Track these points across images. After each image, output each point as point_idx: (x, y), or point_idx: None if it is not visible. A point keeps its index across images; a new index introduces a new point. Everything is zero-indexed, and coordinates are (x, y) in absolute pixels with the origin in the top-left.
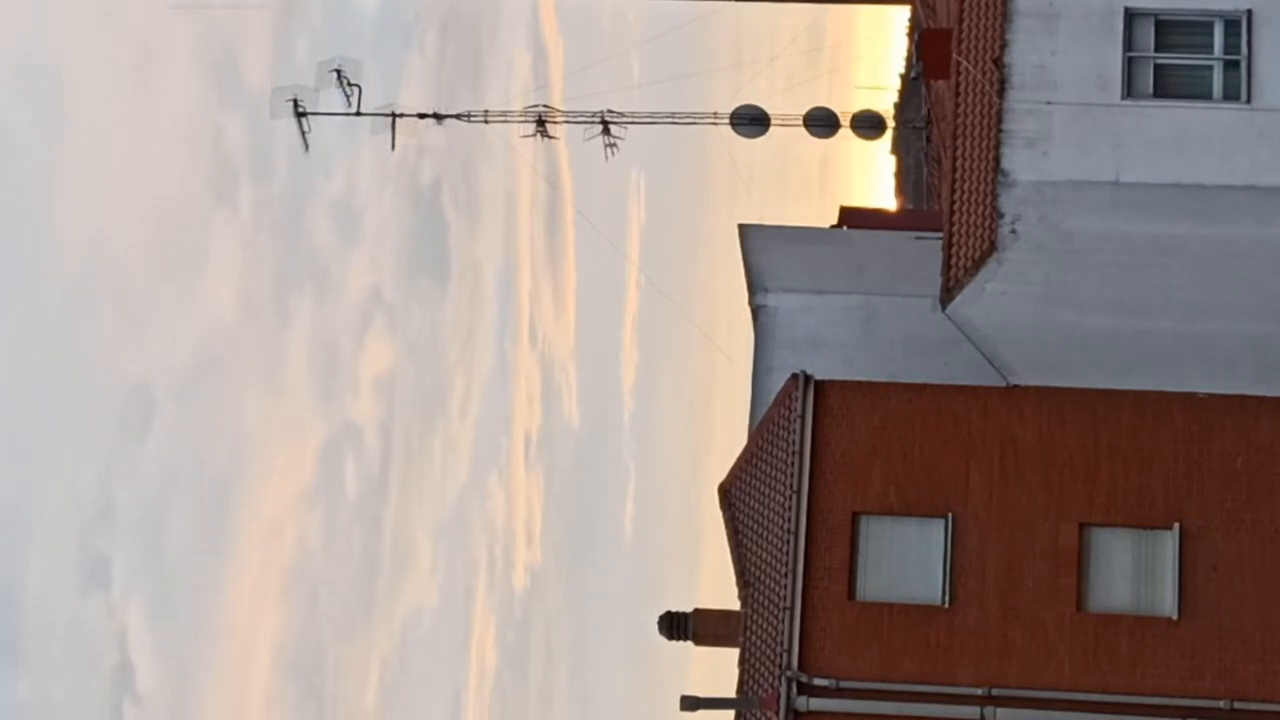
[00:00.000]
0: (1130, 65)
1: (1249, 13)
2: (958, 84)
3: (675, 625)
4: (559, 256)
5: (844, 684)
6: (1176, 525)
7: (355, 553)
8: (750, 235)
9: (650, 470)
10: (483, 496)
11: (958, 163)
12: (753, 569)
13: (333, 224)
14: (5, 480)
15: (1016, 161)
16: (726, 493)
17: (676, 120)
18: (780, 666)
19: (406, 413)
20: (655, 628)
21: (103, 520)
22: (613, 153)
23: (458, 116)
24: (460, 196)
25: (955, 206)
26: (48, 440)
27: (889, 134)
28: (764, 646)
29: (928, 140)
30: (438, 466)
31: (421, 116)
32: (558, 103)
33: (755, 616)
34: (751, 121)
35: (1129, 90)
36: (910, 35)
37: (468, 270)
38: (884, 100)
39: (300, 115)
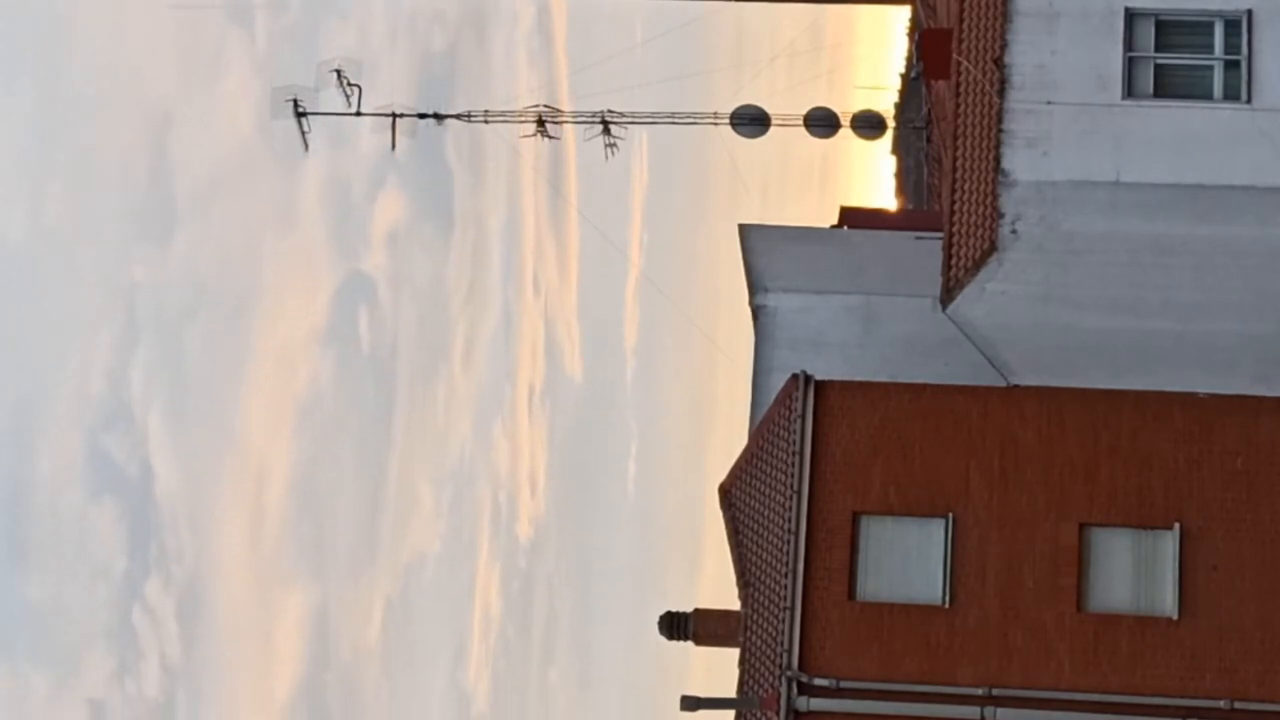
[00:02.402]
0: (1130, 65)
1: (1249, 13)
2: (958, 84)
3: (675, 625)
4: (561, 218)
5: (844, 684)
6: (1176, 525)
7: (363, 437)
8: (750, 235)
9: (652, 436)
10: (487, 445)
11: (958, 163)
12: (753, 569)
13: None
14: (27, 275)
15: (1017, 161)
16: (727, 493)
17: (676, 120)
18: (780, 666)
19: (415, 264)
20: (655, 627)
21: (125, 328)
22: (613, 153)
23: (458, 116)
24: (463, 148)
25: (955, 206)
26: (66, 242)
27: (889, 134)
28: (764, 646)
29: (928, 140)
30: (441, 412)
31: (421, 116)
32: (564, 100)
33: (755, 616)
34: (751, 121)
35: (1129, 90)
36: (910, 35)
37: (470, 221)
38: (884, 100)
39: (300, 115)
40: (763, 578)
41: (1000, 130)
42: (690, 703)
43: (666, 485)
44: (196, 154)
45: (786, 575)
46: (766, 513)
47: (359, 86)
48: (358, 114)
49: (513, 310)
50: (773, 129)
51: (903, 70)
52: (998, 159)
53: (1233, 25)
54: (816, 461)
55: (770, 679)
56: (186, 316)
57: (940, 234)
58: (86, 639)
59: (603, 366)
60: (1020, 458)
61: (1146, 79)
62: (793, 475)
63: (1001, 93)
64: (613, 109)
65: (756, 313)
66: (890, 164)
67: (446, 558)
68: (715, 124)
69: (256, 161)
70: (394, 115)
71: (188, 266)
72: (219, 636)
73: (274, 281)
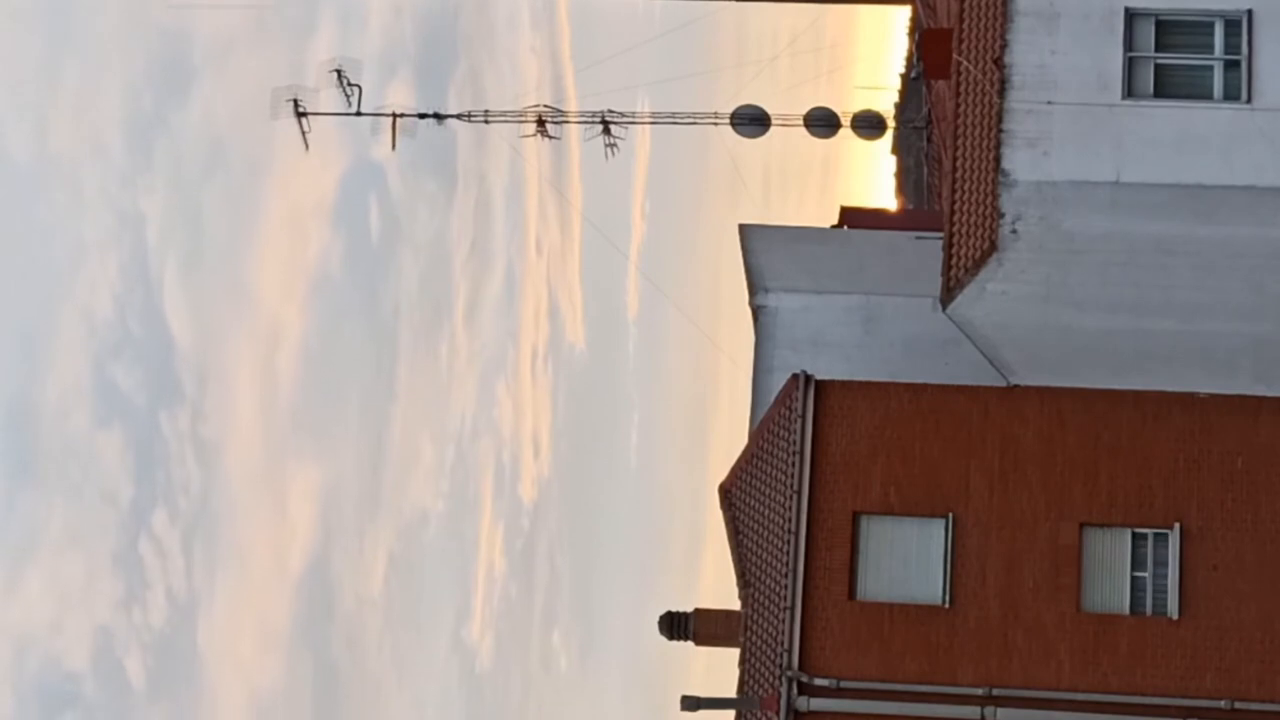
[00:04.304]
0: (1131, 65)
1: (1249, 13)
2: (958, 84)
3: (675, 625)
4: (563, 184)
5: (844, 684)
6: (1177, 525)
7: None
8: (750, 235)
9: (653, 412)
10: (490, 404)
11: (958, 163)
12: (753, 569)
13: None
14: (31, 191)
15: (1017, 161)
16: (727, 493)
17: (677, 120)
18: (781, 666)
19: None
20: (655, 623)
21: (141, 178)
22: (613, 152)
23: (458, 116)
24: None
25: (955, 206)
26: (84, 88)
27: (889, 134)
28: (764, 646)
29: (928, 140)
30: (444, 370)
31: (422, 116)
32: (570, 99)
33: (755, 616)
34: (751, 121)
35: (1129, 90)
36: (910, 35)
37: (473, 180)
38: (884, 100)
39: (300, 115)
40: (763, 578)
41: (1000, 130)
42: (690, 703)
43: (667, 470)
44: (209, 19)
45: (786, 575)
46: (766, 512)
47: (359, 86)
48: (358, 114)
49: (515, 270)
50: (773, 129)
51: (903, 70)
52: (998, 159)
53: (1233, 25)
54: (816, 461)
55: (770, 679)
56: (204, 177)
57: (940, 234)
58: (94, 564)
59: (605, 335)
60: (1020, 458)
61: (1146, 79)
62: (793, 475)
63: (1001, 93)
64: (613, 109)
65: (756, 313)
66: (890, 164)
67: (450, 515)
68: (715, 124)
69: (269, 28)
70: (394, 115)
71: (202, 127)
72: (225, 575)
73: (283, 155)
